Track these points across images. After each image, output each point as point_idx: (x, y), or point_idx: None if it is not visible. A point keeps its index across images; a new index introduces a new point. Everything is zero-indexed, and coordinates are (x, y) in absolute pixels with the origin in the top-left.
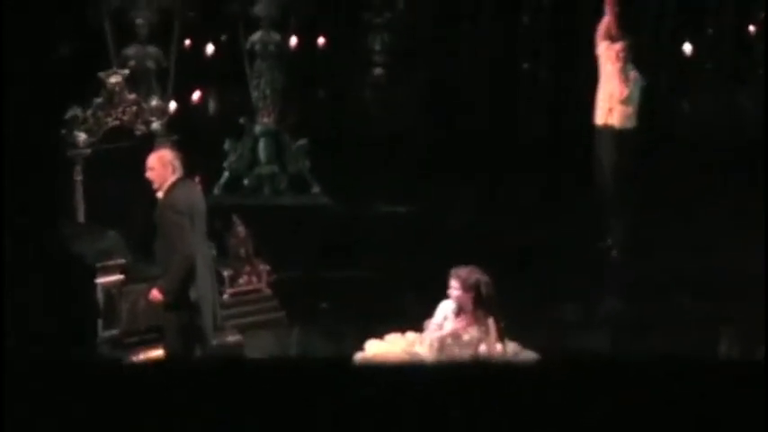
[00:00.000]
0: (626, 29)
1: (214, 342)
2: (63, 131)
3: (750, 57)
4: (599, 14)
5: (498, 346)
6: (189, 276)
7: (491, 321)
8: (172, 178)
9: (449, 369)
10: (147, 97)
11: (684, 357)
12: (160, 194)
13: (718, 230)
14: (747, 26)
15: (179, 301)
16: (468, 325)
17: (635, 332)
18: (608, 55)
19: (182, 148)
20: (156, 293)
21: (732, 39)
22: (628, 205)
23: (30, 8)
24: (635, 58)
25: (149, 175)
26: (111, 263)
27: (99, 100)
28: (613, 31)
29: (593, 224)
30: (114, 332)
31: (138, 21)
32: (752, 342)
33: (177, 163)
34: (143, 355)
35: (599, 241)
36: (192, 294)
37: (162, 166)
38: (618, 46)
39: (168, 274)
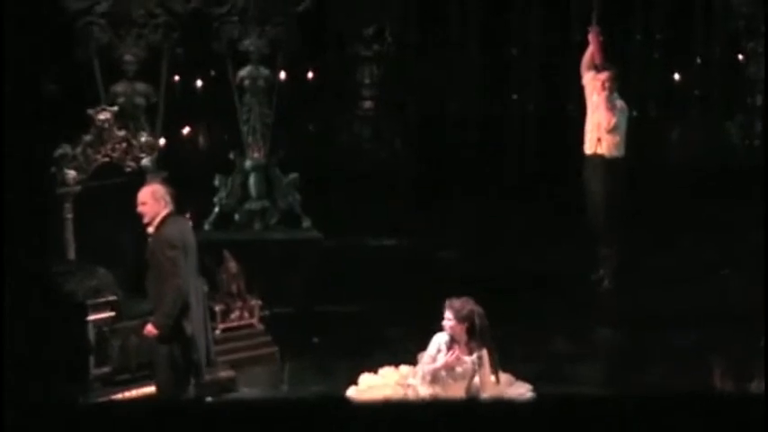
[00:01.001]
0: (610, 59)
1: (207, 378)
2: (52, 169)
3: (738, 85)
4: (584, 45)
5: (492, 378)
6: (182, 311)
7: (485, 352)
8: (163, 213)
9: (442, 406)
10: (136, 133)
11: (682, 392)
12: (151, 229)
13: (710, 260)
14: (735, 55)
15: (173, 335)
16: (462, 356)
17: (627, 363)
18: (594, 85)
19: (172, 183)
20: (150, 328)
21: (720, 67)
22: (618, 235)
23: (17, 46)
24: (621, 87)
25: (141, 209)
26: (101, 300)
27: (88, 137)
28: (598, 61)
29: (585, 255)
30: (106, 369)
31: (127, 57)
32: (745, 373)
33: (169, 198)
34: (135, 393)
35: (590, 272)
36: (187, 329)
37: (155, 201)
38: (603, 75)
39: (162, 308)
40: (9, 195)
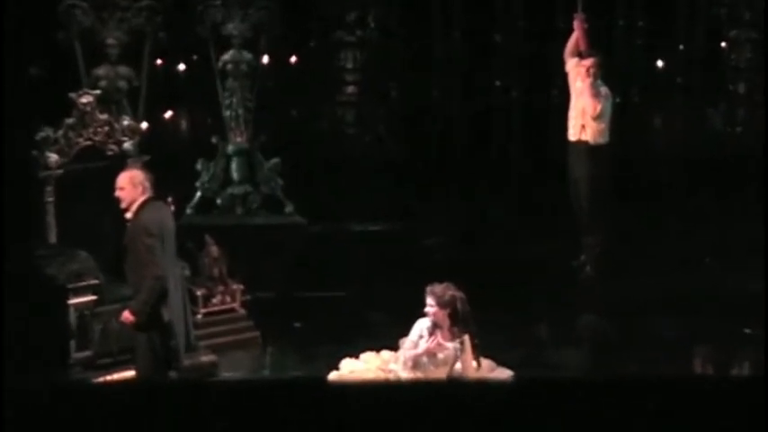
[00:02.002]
0: (594, 45)
1: (187, 362)
2: (34, 152)
3: (720, 73)
4: (568, 32)
5: (473, 364)
6: (160, 298)
7: (466, 338)
8: (141, 198)
9: (423, 389)
10: (118, 117)
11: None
12: (129, 215)
13: (693, 247)
14: (718, 43)
15: (151, 322)
16: (444, 342)
17: (609, 349)
18: (578, 71)
19: (154, 168)
20: (127, 315)
21: (702, 55)
22: (601, 222)
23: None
24: (604, 74)
25: (119, 194)
26: (83, 284)
27: (70, 120)
28: (582, 48)
29: (567, 241)
30: (87, 353)
31: (109, 41)
32: (727, 359)
33: (148, 184)
34: (116, 377)
35: (573, 258)
36: (164, 315)
37: (132, 186)
38: (588, 62)
39: (139, 295)
40: None
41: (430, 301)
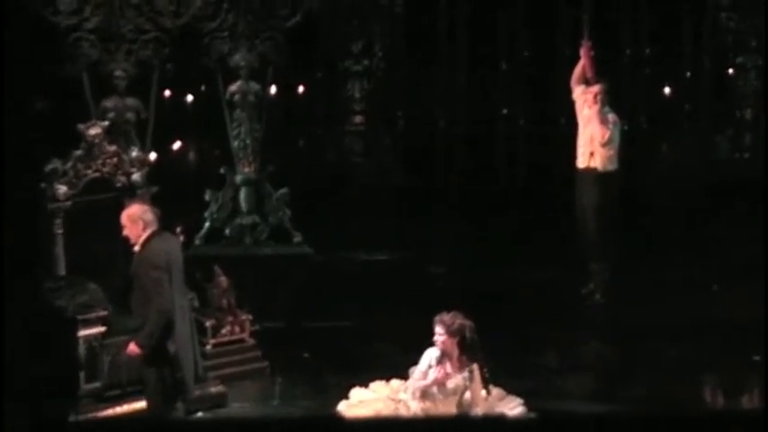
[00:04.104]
0: (601, 73)
1: (197, 393)
2: (43, 184)
3: (727, 99)
4: (575, 60)
5: (483, 393)
6: (167, 330)
7: (475, 367)
8: (146, 233)
9: (434, 423)
10: (126, 148)
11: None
12: (137, 248)
13: (701, 273)
14: (724, 69)
15: (158, 354)
16: (453, 371)
17: (618, 377)
18: (585, 98)
19: (162, 198)
20: (133, 348)
21: (709, 82)
22: (610, 249)
23: (8, 62)
24: (611, 101)
25: (124, 232)
26: (92, 315)
27: (79, 152)
28: (589, 75)
29: (576, 268)
30: (96, 385)
31: (117, 73)
32: (735, 387)
33: (149, 217)
34: (125, 408)
35: (581, 285)
36: (171, 348)
37: (132, 223)
38: (595, 89)
39: (146, 328)
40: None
41: (439, 329)
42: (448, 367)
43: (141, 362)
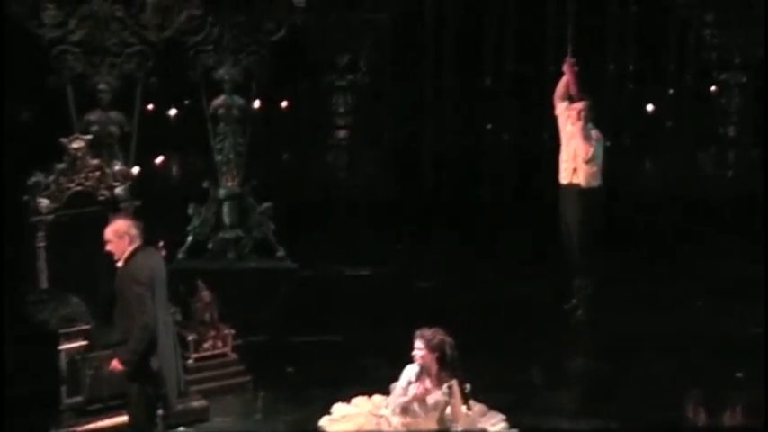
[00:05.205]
0: (584, 89)
1: (179, 407)
2: (26, 198)
3: (710, 116)
4: (558, 76)
5: (464, 409)
6: (150, 346)
7: (454, 383)
8: (130, 248)
9: None
10: (109, 162)
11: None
12: (120, 263)
13: (684, 289)
14: (708, 86)
15: (140, 370)
16: (433, 387)
17: (601, 392)
18: (568, 115)
19: (145, 212)
20: (116, 364)
21: (692, 99)
22: (594, 264)
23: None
24: (595, 117)
25: (108, 247)
26: (74, 329)
27: (62, 166)
28: (573, 92)
29: (559, 283)
30: (78, 399)
31: (101, 86)
32: (718, 402)
33: (134, 231)
34: (107, 423)
35: (565, 300)
36: (154, 364)
37: (118, 238)
38: (579, 105)
39: (129, 344)
40: None
41: (419, 344)
42: (427, 383)
43: (124, 377)
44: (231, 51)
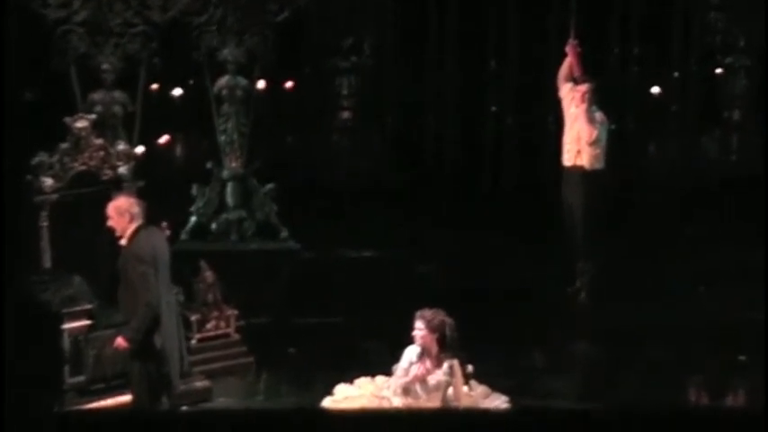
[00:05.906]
0: (588, 71)
1: (181, 388)
2: (29, 177)
3: (715, 100)
4: (562, 58)
5: (465, 389)
6: (153, 324)
7: (455, 362)
8: (132, 226)
9: (417, 417)
10: (113, 142)
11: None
12: (123, 242)
13: (687, 273)
14: (712, 69)
15: (144, 349)
16: (434, 368)
17: (603, 376)
18: (572, 97)
19: (149, 193)
20: (120, 342)
21: (697, 82)
22: (596, 248)
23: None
24: (598, 100)
25: (109, 223)
26: (77, 309)
27: (65, 145)
28: (576, 74)
29: (562, 267)
30: (81, 378)
31: (105, 66)
32: (721, 387)
33: (136, 210)
34: (110, 402)
35: (567, 284)
36: (157, 342)
37: (119, 215)
38: (583, 88)
39: (133, 322)
40: None
41: (419, 324)
42: (428, 364)
43: (127, 356)
44: (235, 32)
